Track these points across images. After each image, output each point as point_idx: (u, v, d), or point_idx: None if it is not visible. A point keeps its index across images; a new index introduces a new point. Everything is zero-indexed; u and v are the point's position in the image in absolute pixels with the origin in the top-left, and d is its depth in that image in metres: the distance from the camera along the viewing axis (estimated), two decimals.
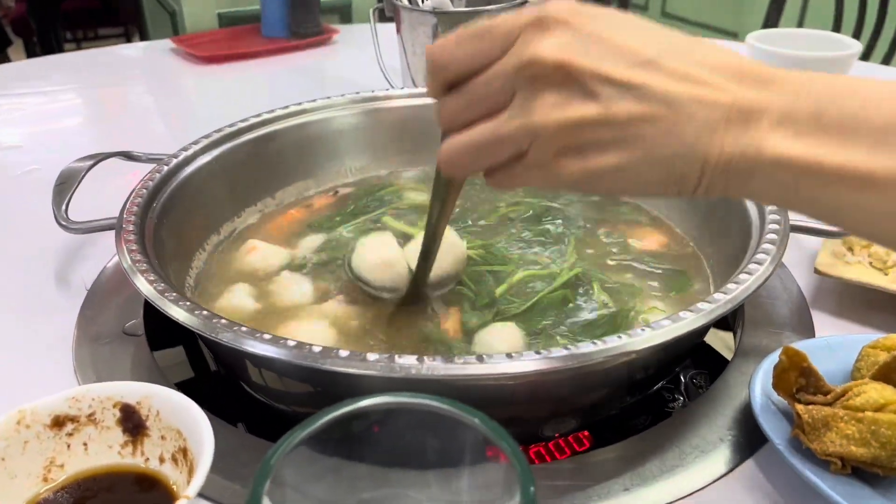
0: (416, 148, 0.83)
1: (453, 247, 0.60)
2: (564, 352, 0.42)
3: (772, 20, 1.60)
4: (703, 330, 0.55)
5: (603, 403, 0.52)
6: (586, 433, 0.53)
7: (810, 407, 0.44)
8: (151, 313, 0.61)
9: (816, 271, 0.60)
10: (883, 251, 0.60)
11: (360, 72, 1.09)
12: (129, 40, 3.71)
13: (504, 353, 0.43)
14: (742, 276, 0.49)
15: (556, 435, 0.53)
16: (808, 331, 0.58)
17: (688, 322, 0.45)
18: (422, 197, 0.77)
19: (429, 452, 0.35)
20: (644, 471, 0.46)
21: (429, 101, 0.84)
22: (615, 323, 0.58)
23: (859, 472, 0.43)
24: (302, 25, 1.32)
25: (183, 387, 0.55)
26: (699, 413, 0.50)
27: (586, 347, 0.43)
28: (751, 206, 0.59)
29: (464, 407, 0.32)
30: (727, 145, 0.32)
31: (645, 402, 0.56)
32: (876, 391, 0.44)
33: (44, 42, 2.70)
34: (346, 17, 1.53)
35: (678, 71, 0.32)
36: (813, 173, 0.31)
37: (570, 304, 0.59)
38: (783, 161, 0.31)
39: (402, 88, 0.85)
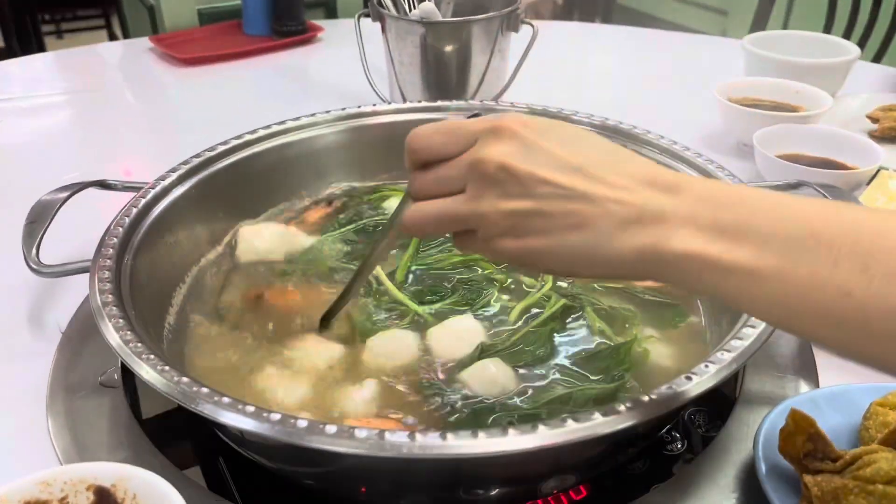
0: (400, 164, 0.80)
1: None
2: (572, 424, 0.40)
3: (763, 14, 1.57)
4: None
5: (602, 461, 0.50)
6: (584, 487, 0.52)
7: (819, 478, 0.42)
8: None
9: None
10: None
11: (346, 73, 1.05)
12: (108, 23, 3.63)
13: (500, 427, 0.41)
14: (745, 331, 0.47)
15: (555, 492, 0.51)
16: (811, 373, 0.57)
17: (695, 384, 0.43)
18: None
19: None
20: None
21: (415, 116, 0.82)
22: (619, 356, 0.56)
23: None
24: (285, 23, 1.28)
25: (166, 437, 0.53)
26: (702, 472, 0.48)
27: (591, 419, 0.41)
28: None
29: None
30: (637, 239, 0.39)
31: (648, 451, 0.54)
32: (887, 461, 0.42)
33: (20, 27, 2.63)
34: (331, 11, 1.49)
35: (599, 176, 0.40)
36: (712, 267, 0.37)
37: (563, 333, 0.58)
38: (687, 255, 0.37)
39: (389, 104, 0.82)
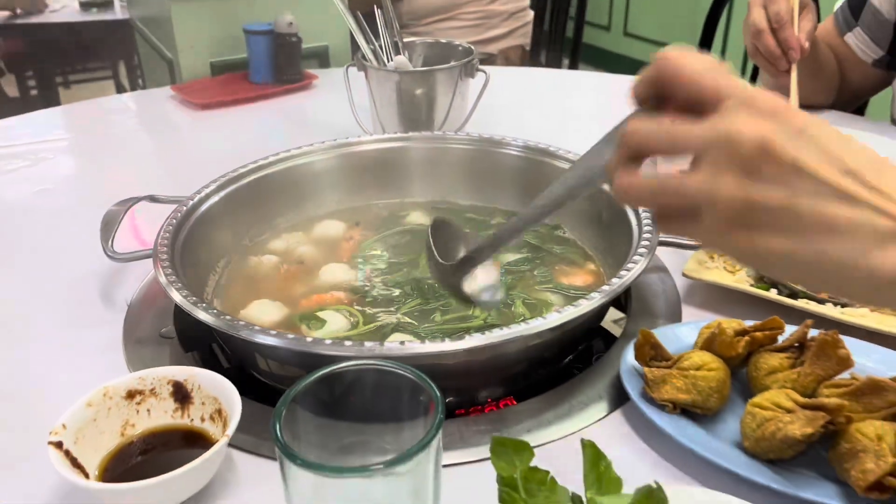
0: (381, 183, 1.02)
1: None
2: (480, 336, 0.61)
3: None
4: (585, 319, 0.72)
5: (522, 375, 0.71)
6: (511, 398, 0.72)
7: (653, 369, 0.63)
8: (180, 322, 0.79)
9: (684, 275, 0.80)
10: (727, 262, 0.80)
11: (337, 112, 1.26)
12: (115, 74, 3.87)
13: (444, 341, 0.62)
14: (614, 280, 0.69)
15: (489, 400, 0.72)
16: (676, 318, 0.78)
17: (561, 317, 0.64)
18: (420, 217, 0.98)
19: (382, 404, 0.53)
20: (542, 418, 0.65)
21: (392, 144, 1.03)
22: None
23: (686, 412, 0.62)
24: (285, 73, 1.51)
25: (208, 366, 0.73)
26: (587, 379, 0.69)
27: (493, 333, 0.62)
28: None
29: (403, 366, 0.50)
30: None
31: (559, 372, 0.75)
32: (698, 356, 0.63)
33: (41, 80, 2.88)
34: (324, 61, 1.72)
35: (872, 183, 0.35)
36: None
37: None
38: None
39: (371, 135, 1.04)
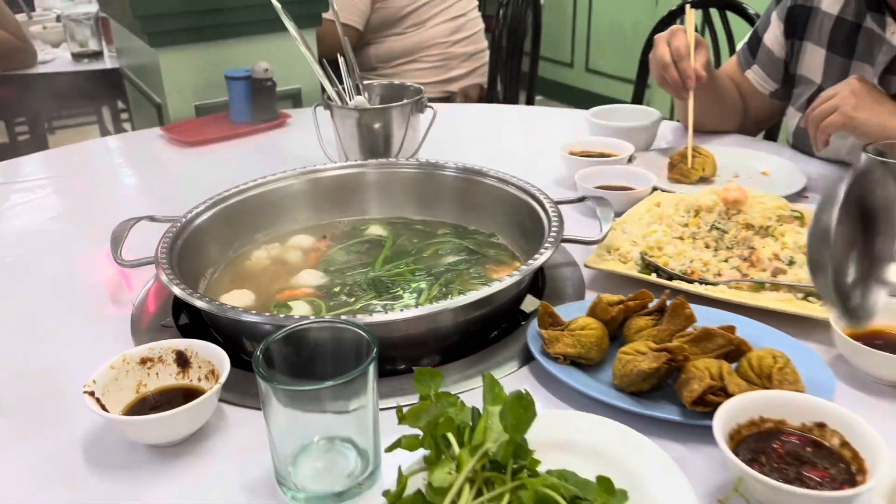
0: (344, 202, 1.21)
1: None
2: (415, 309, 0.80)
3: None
4: (501, 298, 0.90)
5: (457, 345, 0.89)
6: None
7: (549, 331, 0.82)
8: (177, 314, 0.97)
9: (586, 266, 0.99)
10: (624, 250, 1.00)
11: (307, 146, 1.44)
12: (100, 119, 4.05)
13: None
14: (523, 268, 0.87)
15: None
16: (580, 299, 0.97)
17: (478, 293, 0.83)
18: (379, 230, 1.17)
19: (334, 353, 0.71)
20: (467, 373, 0.83)
21: (354, 170, 1.22)
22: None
23: (574, 363, 0.81)
24: (262, 113, 1.70)
25: None
26: (504, 345, 0.88)
27: (430, 308, 0.80)
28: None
29: (348, 321, 0.68)
30: None
31: (486, 343, 0.92)
32: (583, 320, 0.82)
33: (32, 126, 3.06)
34: (297, 102, 1.92)
35: None
36: None
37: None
38: None
39: (335, 163, 1.23)
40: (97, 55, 2.75)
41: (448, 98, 2.59)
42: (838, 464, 0.63)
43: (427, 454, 0.62)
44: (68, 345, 0.93)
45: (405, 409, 0.63)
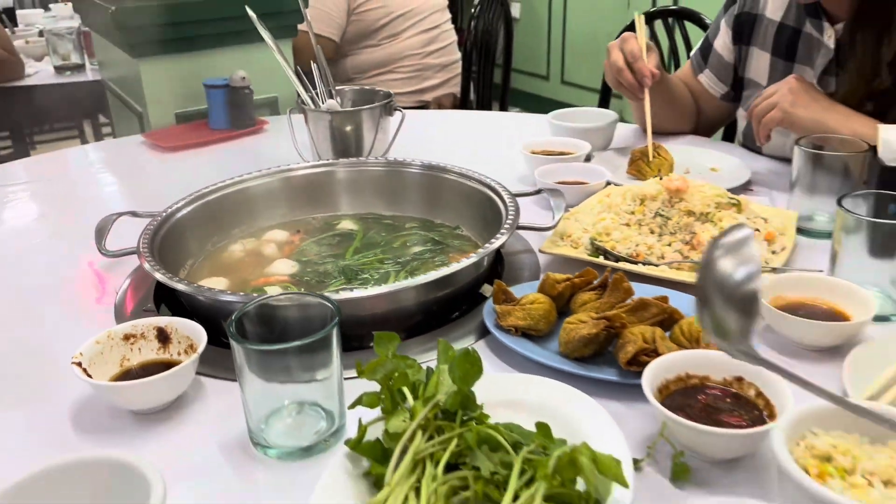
0: (316, 199, 1.28)
1: None
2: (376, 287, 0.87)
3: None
4: (459, 279, 0.98)
5: (421, 324, 0.96)
6: None
7: (503, 306, 0.89)
8: (158, 300, 1.03)
9: (541, 251, 1.07)
10: (575, 236, 1.07)
11: (283, 150, 1.50)
12: (81, 132, 4.10)
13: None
14: (480, 251, 0.95)
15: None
16: (536, 280, 1.04)
17: (437, 273, 0.90)
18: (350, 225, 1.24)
19: (302, 328, 0.78)
20: (427, 346, 0.90)
21: (324, 169, 1.29)
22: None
23: (526, 335, 0.88)
24: (240, 119, 1.77)
25: None
26: (463, 322, 0.95)
27: (393, 285, 0.87)
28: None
29: (315, 294, 0.75)
30: None
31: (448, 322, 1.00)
32: (532, 296, 0.89)
33: (15, 137, 3.11)
34: (274, 109, 1.99)
35: None
36: None
37: None
38: None
39: (308, 162, 1.30)
40: (79, 68, 2.81)
41: (423, 107, 2.67)
42: (753, 411, 0.71)
43: (384, 407, 0.69)
44: (55, 331, 0.99)
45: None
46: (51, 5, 3.61)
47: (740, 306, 0.65)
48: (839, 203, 0.92)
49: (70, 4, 3.15)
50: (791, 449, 0.61)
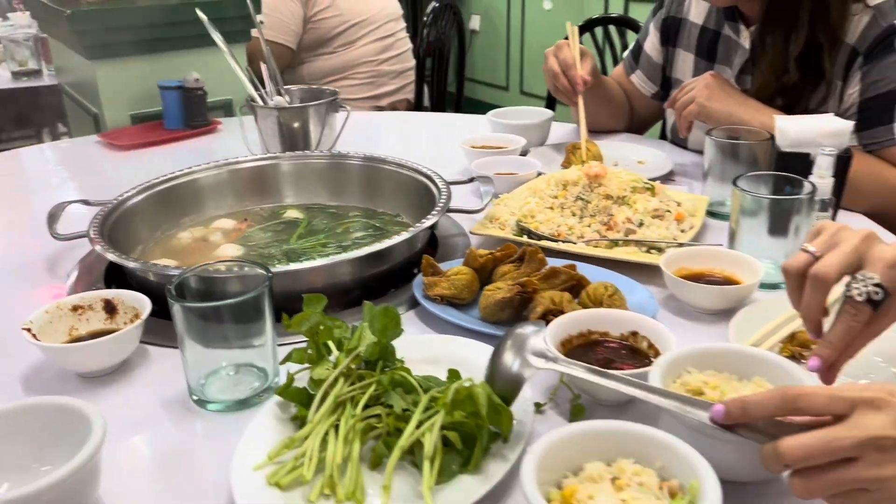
0: (262, 190, 1.35)
1: None
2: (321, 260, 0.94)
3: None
4: (396, 255, 1.05)
5: (360, 297, 1.03)
6: None
7: (430, 278, 0.97)
8: (108, 281, 1.09)
9: (471, 233, 1.14)
10: (503, 219, 1.16)
11: (237, 148, 1.57)
12: (40, 139, 4.08)
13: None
14: (411, 229, 1.02)
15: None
16: None
17: (368, 248, 0.97)
18: (295, 214, 1.30)
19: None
20: (360, 317, 0.97)
21: (268, 161, 1.36)
22: None
23: (451, 304, 0.95)
24: (194, 119, 1.82)
25: None
26: (396, 294, 1.02)
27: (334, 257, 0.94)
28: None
29: (251, 261, 0.82)
30: None
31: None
32: (457, 268, 0.97)
33: None
34: (228, 111, 2.05)
35: None
36: None
37: None
38: None
39: (255, 155, 1.37)
40: (36, 73, 2.84)
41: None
42: (644, 360, 0.79)
43: (310, 356, 0.76)
44: (10, 310, 1.04)
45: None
46: (8, 14, 3.62)
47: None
48: (734, 183, 1.01)
49: (28, 13, 3.17)
50: (667, 385, 0.69)
